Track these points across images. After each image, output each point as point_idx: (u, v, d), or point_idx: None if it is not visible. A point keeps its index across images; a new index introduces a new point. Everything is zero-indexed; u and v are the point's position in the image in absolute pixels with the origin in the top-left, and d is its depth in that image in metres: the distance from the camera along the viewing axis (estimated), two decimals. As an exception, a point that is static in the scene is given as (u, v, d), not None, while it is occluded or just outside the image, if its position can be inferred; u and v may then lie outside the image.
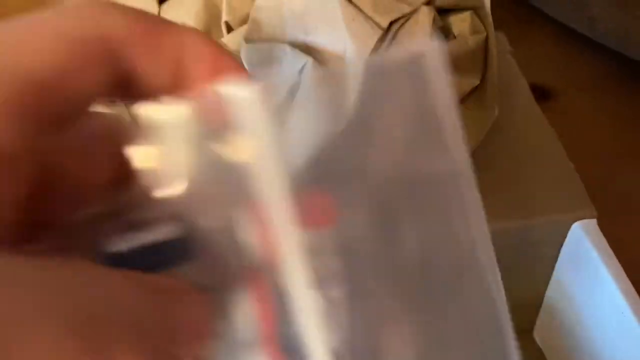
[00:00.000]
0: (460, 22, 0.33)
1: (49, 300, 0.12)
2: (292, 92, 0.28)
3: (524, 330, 0.43)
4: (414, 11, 0.30)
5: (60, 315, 0.12)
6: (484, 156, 0.37)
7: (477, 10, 0.32)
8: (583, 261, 0.35)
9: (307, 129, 0.24)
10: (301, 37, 0.31)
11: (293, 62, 0.30)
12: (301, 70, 0.30)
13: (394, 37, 0.30)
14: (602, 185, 0.40)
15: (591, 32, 0.54)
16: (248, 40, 0.32)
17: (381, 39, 0.29)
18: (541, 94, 0.51)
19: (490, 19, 0.31)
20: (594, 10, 0.54)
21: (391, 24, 0.29)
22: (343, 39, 0.29)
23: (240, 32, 0.33)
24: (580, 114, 0.51)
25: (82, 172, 0.16)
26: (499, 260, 0.42)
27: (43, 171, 0.14)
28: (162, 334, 0.13)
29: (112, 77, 0.14)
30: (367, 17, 0.29)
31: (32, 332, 0.11)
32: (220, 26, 0.34)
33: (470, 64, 0.33)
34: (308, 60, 0.29)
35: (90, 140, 0.16)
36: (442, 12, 0.33)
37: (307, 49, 0.30)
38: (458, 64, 0.33)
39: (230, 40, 0.33)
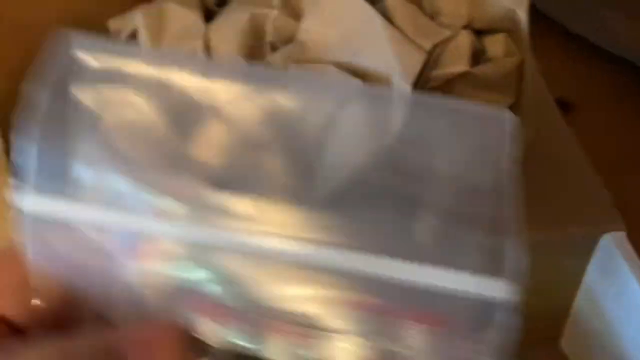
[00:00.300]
0: (495, 45, 0.34)
1: None
2: (337, 111, 0.29)
3: (551, 339, 0.44)
4: (455, 35, 0.31)
5: None
6: (521, 169, 0.38)
7: (511, 33, 0.34)
8: (612, 272, 0.36)
9: (350, 147, 0.25)
10: (346, 58, 0.32)
11: (339, 85, 0.32)
12: (347, 93, 0.31)
13: (436, 61, 0.32)
14: (623, 198, 0.41)
15: (612, 46, 0.56)
16: (293, 60, 0.33)
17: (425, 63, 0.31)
18: (561, 107, 0.53)
19: (527, 42, 0.32)
20: (615, 25, 0.55)
21: (433, 47, 0.31)
22: (388, 62, 0.30)
23: (284, 52, 0.34)
24: (601, 127, 0.52)
25: None
26: (533, 270, 0.43)
27: None
28: None
29: None
30: (411, 41, 0.30)
31: None
32: (264, 46, 0.36)
33: (505, 85, 0.34)
34: (356, 82, 0.30)
35: None
36: (477, 34, 0.34)
37: (352, 71, 0.32)
38: (493, 85, 0.34)
39: (274, 60, 0.35)
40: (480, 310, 0.16)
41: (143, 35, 0.35)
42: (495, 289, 0.16)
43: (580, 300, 0.40)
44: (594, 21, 0.57)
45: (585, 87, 0.55)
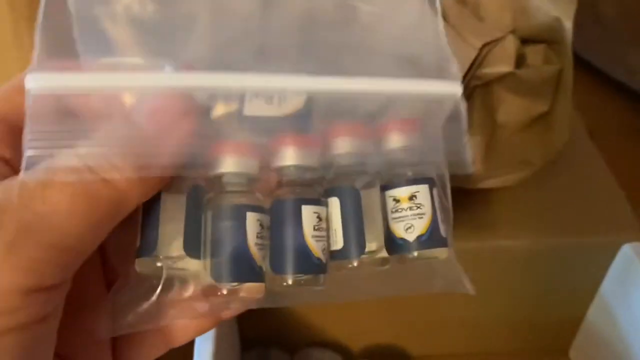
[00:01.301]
0: (534, 54, 0.36)
1: None
2: (390, 100, 0.31)
3: (560, 350, 0.45)
4: (503, 37, 0.33)
5: None
6: (543, 177, 0.40)
7: (553, 44, 0.36)
8: (630, 282, 0.37)
9: None
10: (400, 50, 0.34)
11: (393, 73, 0.33)
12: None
13: (481, 61, 0.34)
14: None
15: (629, 81, 0.58)
16: (349, 50, 0.35)
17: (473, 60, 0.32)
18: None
19: (570, 52, 0.34)
20: (633, 61, 0.58)
21: (482, 46, 0.33)
22: (441, 53, 0.32)
23: (337, 43, 0.36)
24: (617, 156, 0.54)
25: None
26: (547, 276, 0.45)
27: None
28: None
29: None
30: (464, 39, 0.32)
31: None
32: (316, 33, 0.37)
33: (542, 92, 0.36)
34: (411, 71, 0.32)
35: None
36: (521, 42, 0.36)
37: (403, 58, 0.33)
38: (530, 91, 0.36)
39: (325, 48, 0.37)
40: (439, 108, 0.22)
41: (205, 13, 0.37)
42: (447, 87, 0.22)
43: (594, 310, 0.41)
44: (614, 57, 0.60)
45: (603, 118, 0.57)
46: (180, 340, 0.21)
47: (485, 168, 0.37)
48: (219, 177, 0.20)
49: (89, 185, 0.17)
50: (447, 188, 0.22)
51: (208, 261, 0.19)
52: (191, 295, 0.20)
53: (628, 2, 0.58)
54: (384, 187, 0.21)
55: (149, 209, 0.19)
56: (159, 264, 0.19)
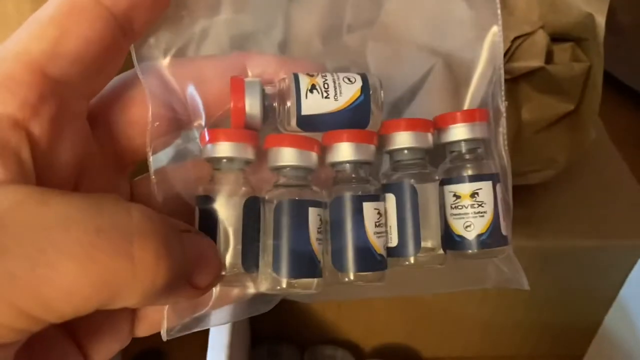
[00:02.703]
0: (562, 52, 0.36)
1: (76, 214, 0.14)
2: (414, 90, 0.30)
3: (575, 356, 0.45)
4: (533, 32, 0.33)
5: (85, 223, 0.14)
6: (564, 178, 0.39)
7: (582, 42, 0.35)
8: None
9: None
10: (427, 40, 0.33)
11: (419, 63, 0.33)
12: (429, 71, 0.32)
13: (513, 53, 0.33)
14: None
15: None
16: (374, 39, 0.34)
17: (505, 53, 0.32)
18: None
19: (601, 49, 0.33)
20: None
21: (514, 40, 0.32)
22: (472, 47, 0.32)
23: (363, 33, 0.36)
24: (633, 166, 0.54)
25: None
26: (564, 279, 0.44)
27: None
28: (180, 257, 0.16)
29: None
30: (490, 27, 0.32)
31: (62, 235, 0.14)
32: (341, 25, 0.37)
33: (569, 89, 0.35)
34: (438, 61, 0.32)
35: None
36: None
37: (433, 53, 0.33)
38: (558, 88, 0.36)
39: (351, 40, 0.36)
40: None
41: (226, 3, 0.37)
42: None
43: (612, 315, 0.41)
44: (633, 66, 0.59)
45: (620, 126, 0.57)
46: (145, 331, 0.21)
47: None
48: (278, 169, 0.20)
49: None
50: (509, 180, 0.21)
51: (267, 258, 0.19)
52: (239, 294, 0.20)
53: (647, 10, 0.57)
54: (444, 181, 0.21)
55: (205, 222, 0.19)
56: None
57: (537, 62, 0.33)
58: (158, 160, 0.20)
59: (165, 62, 0.21)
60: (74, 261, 0.13)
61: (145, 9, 0.18)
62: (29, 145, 0.16)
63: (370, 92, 0.20)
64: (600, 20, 0.33)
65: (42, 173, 0.16)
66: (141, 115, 0.20)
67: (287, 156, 0.19)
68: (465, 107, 0.28)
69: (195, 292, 0.17)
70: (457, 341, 0.46)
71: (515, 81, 0.36)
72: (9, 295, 0.13)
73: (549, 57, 0.36)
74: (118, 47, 0.18)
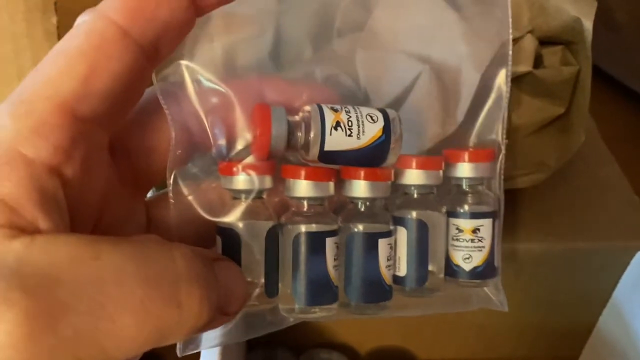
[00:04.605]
0: (552, 55, 0.36)
1: (126, 266, 0.15)
2: (402, 96, 0.30)
3: (569, 358, 0.45)
4: (521, 37, 0.33)
5: (136, 275, 0.15)
6: (556, 180, 0.39)
7: (571, 45, 0.35)
8: (645, 288, 0.37)
9: (414, 132, 0.26)
10: (416, 48, 0.33)
11: (408, 70, 0.33)
12: (416, 78, 0.32)
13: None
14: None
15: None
16: (361, 46, 0.34)
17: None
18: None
19: (589, 52, 0.33)
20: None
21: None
22: (459, 54, 0.32)
23: (352, 38, 0.36)
24: (629, 164, 0.54)
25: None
26: (559, 282, 0.44)
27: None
28: (217, 293, 0.17)
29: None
30: (482, 37, 0.32)
31: (117, 289, 0.15)
32: (331, 31, 0.37)
33: (559, 93, 0.35)
34: (425, 67, 0.32)
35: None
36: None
37: (421, 59, 0.33)
38: (547, 91, 0.36)
39: (340, 45, 0.36)
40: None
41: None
42: None
43: (606, 317, 0.41)
44: (628, 64, 0.59)
45: (615, 124, 0.57)
46: None
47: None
48: (296, 199, 0.21)
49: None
50: (501, 212, 0.23)
51: (286, 282, 0.20)
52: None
53: (642, 8, 0.57)
54: (448, 213, 0.22)
55: (228, 250, 0.20)
56: None
57: (525, 67, 0.33)
58: (176, 182, 0.21)
59: (186, 86, 0.21)
60: (131, 314, 0.15)
61: (172, 36, 0.18)
62: (62, 189, 0.16)
63: (392, 133, 0.21)
64: (588, 24, 0.33)
65: (72, 210, 0.17)
66: (160, 140, 0.20)
67: (304, 189, 0.20)
68: (457, 118, 0.29)
69: (226, 319, 0.18)
70: (452, 343, 0.46)
71: (505, 85, 0.36)
72: (73, 349, 0.14)
73: (539, 61, 0.36)
74: (144, 77, 0.18)
